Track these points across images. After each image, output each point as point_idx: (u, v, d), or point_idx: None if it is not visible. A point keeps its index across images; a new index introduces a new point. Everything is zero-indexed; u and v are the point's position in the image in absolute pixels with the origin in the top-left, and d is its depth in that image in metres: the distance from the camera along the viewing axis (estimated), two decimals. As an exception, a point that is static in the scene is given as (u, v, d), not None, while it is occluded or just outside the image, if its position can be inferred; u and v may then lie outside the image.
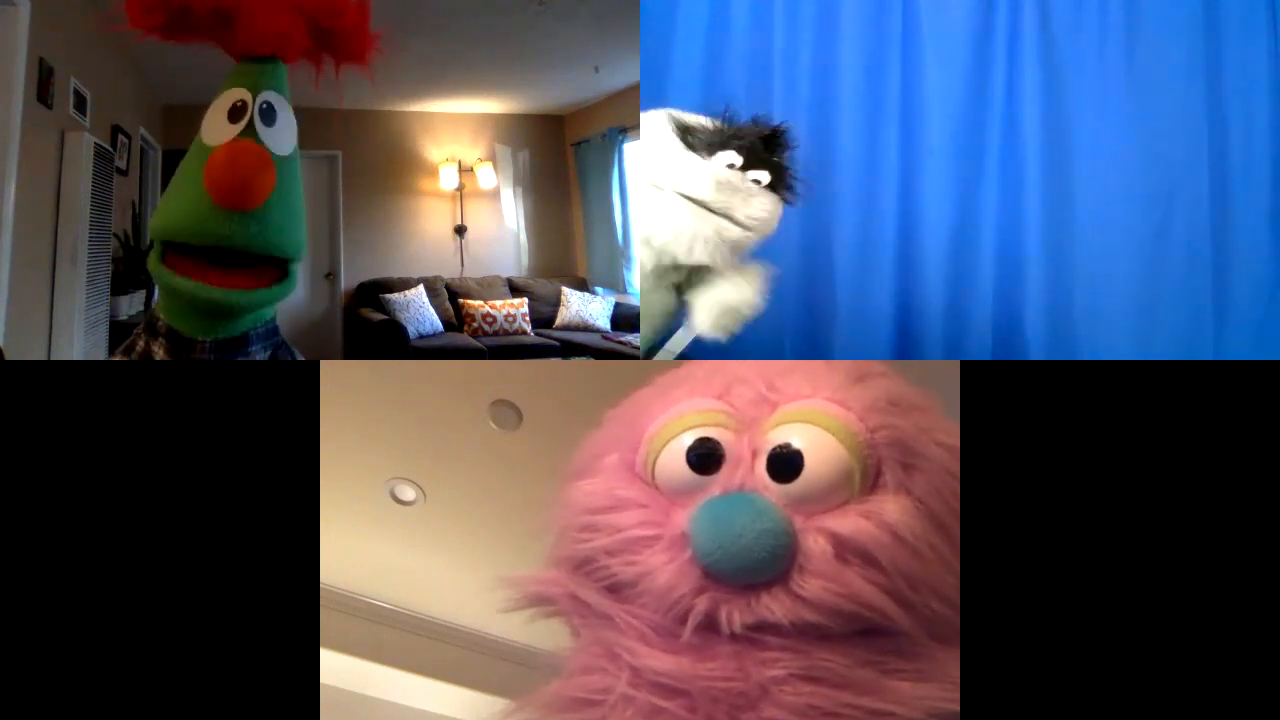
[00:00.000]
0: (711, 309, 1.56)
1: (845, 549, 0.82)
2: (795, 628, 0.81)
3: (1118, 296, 2.14)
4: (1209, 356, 2.11)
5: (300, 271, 1.34)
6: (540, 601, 0.93)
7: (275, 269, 1.25)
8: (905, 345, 2.19)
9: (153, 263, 1.23)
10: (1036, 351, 2.15)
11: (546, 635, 0.94)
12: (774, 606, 0.81)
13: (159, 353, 1.26)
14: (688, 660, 0.80)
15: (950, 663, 0.82)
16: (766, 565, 0.82)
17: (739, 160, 1.46)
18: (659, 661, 0.81)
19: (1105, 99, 2.14)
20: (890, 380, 0.94)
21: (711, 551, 0.82)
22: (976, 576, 1.05)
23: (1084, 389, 1.16)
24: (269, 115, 1.22)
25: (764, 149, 1.48)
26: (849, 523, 0.83)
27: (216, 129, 1.21)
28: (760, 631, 0.81)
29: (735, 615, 0.81)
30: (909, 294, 2.18)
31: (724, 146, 1.47)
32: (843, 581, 0.81)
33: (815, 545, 0.82)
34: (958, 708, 0.78)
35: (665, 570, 0.84)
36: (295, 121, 1.27)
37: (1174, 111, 2.13)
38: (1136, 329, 2.13)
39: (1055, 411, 1.15)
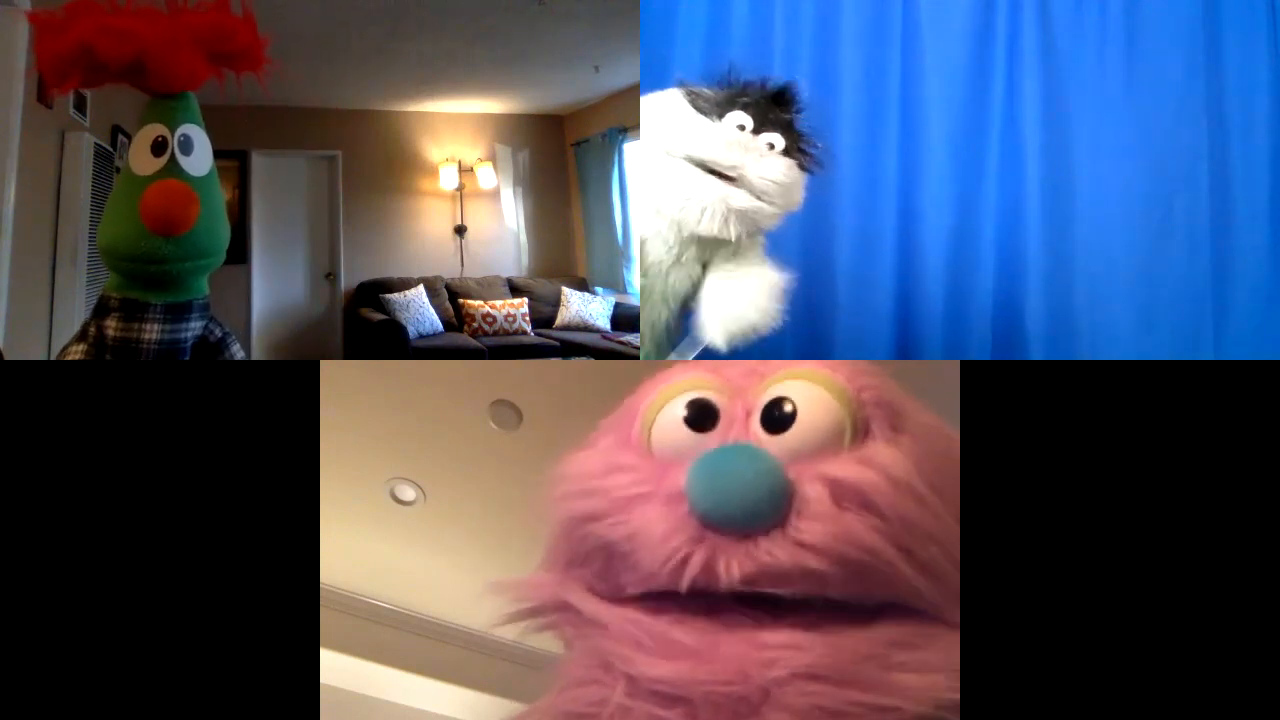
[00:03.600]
0: (725, 321, 1.52)
1: (843, 494, 0.82)
2: (798, 576, 0.79)
3: (1118, 296, 2.14)
4: (1209, 356, 2.11)
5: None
6: (531, 614, 0.92)
7: None
8: (905, 345, 2.18)
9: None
10: (1036, 351, 2.15)
11: (546, 635, 0.93)
12: (775, 551, 0.80)
13: (111, 327, 1.44)
14: (686, 665, 0.78)
15: (952, 646, 0.81)
16: (765, 507, 0.81)
17: (749, 122, 1.45)
18: (656, 669, 0.79)
19: (1105, 99, 2.14)
20: (873, 368, 0.96)
21: (707, 495, 0.82)
22: (977, 575, 1.05)
23: (1084, 389, 1.16)
24: (187, 146, 1.44)
25: (772, 108, 1.46)
26: (846, 468, 0.83)
27: (142, 161, 1.43)
28: (761, 587, 0.80)
29: (734, 565, 0.80)
30: (909, 294, 2.18)
31: (731, 106, 1.45)
32: (842, 525, 0.80)
33: (813, 490, 0.82)
34: (958, 696, 0.77)
35: (661, 523, 0.83)
36: (209, 143, 1.48)
37: (1174, 111, 2.13)
38: (1136, 329, 2.13)
39: (1055, 411, 1.15)
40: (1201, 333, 2.12)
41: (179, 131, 1.43)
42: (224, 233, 1.51)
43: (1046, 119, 2.15)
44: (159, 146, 1.42)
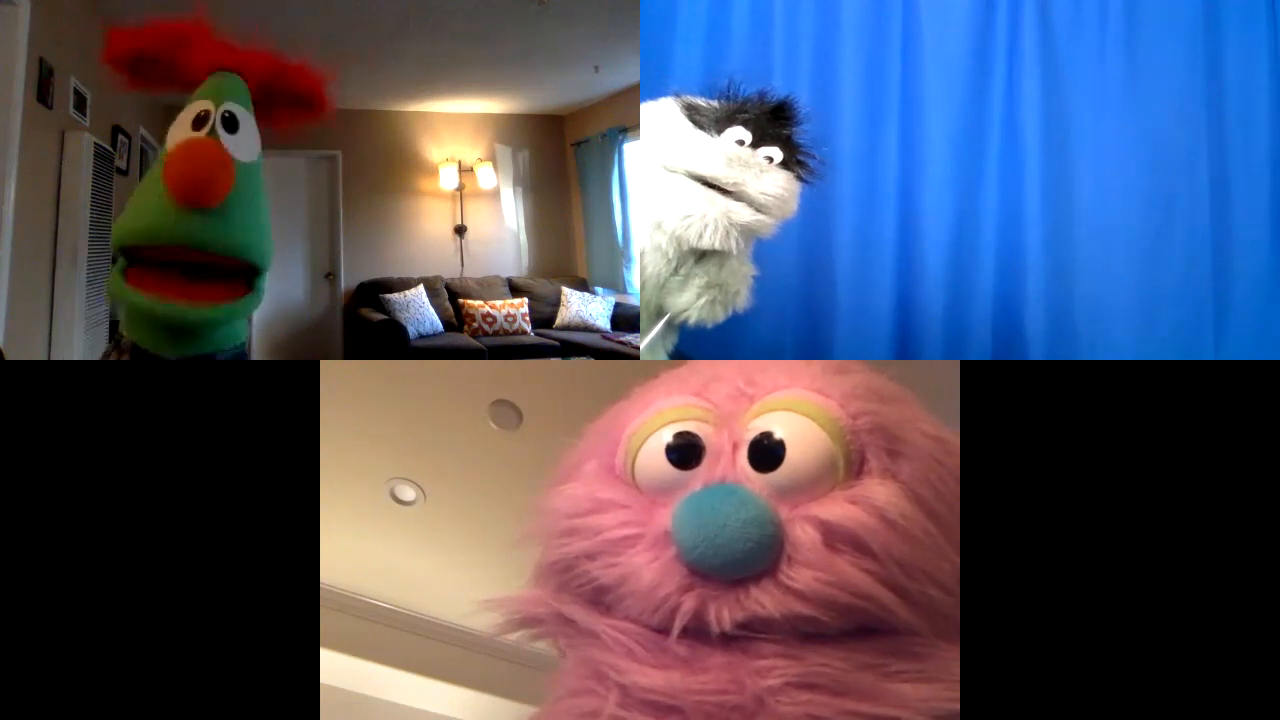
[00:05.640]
0: (696, 287, 1.54)
1: (835, 537, 0.80)
2: (788, 623, 0.78)
3: (1118, 296, 2.14)
4: (1209, 356, 2.11)
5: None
6: (526, 624, 0.91)
7: (242, 282, 1.23)
8: (905, 345, 2.18)
9: (113, 281, 1.20)
10: (1036, 351, 2.15)
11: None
12: (764, 600, 0.78)
13: None
14: (679, 675, 0.77)
15: (951, 659, 0.79)
16: (753, 556, 0.79)
17: (748, 136, 1.44)
18: (648, 678, 0.78)
19: (1105, 99, 2.14)
20: (869, 374, 0.93)
21: (695, 545, 0.80)
22: (977, 576, 1.05)
23: (1084, 389, 1.15)
24: (231, 124, 1.21)
25: (771, 122, 1.46)
26: (837, 509, 0.81)
27: (181, 136, 1.21)
28: (752, 631, 0.79)
29: (725, 612, 0.79)
30: (909, 294, 2.18)
31: (730, 122, 1.45)
32: (834, 571, 0.78)
33: (803, 534, 0.80)
34: (958, 707, 0.76)
35: (649, 569, 0.82)
36: (258, 135, 1.26)
37: (1174, 112, 2.13)
38: (1136, 329, 2.13)
39: (1055, 411, 1.15)
40: (1201, 333, 2.12)
41: (224, 106, 1.22)
42: (264, 239, 1.24)
43: (1046, 119, 2.15)
44: (200, 121, 1.20)
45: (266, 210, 1.27)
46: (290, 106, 1.35)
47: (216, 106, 1.21)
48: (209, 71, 1.27)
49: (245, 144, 1.22)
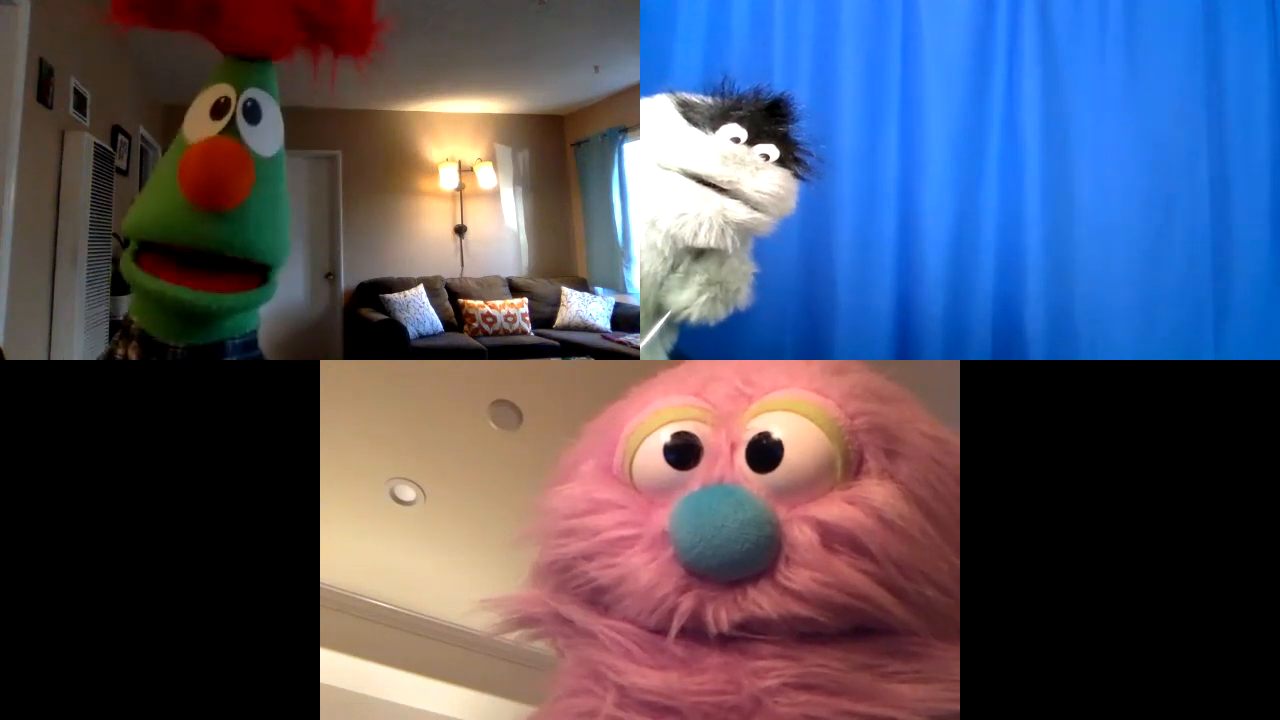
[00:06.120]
0: (697, 285, 1.53)
1: (832, 537, 0.80)
2: (786, 624, 0.78)
3: (1118, 296, 2.14)
4: (1209, 356, 2.12)
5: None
6: (524, 624, 0.91)
7: (255, 274, 1.20)
8: (905, 345, 2.18)
9: (125, 263, 1.18)
10: (1036, 351, 2.15)
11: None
12: (761, 601, 0.78)
13: (131, 357, 1.21)
14: (676, 675, 0.77)
15: (950, 660, 0.79)
16: (751, 557, 0.79)
17: (743, 134, 1.44)
18: (646, 679, 0.78)
19: (1105, 99, 2.14)
20: (868, 374, 0.93)
21: (693, 546, 0.80)
22: (977, 576, 1.05)
23: (1084, 389, 1.15)
24: (253, 113, 1.16)
25: (767, 120, 1.45)
26: (834, 510, 0.81)
27: (198, 126, 1.15)
28: (750, 632, 0.79)
29: (722, 613, 0.79)
30: (909, 294, 2.18)
31: (725, 119, 1.44)
32: (831, 571, 0.78)
33: (801, 535, 0.80)
34: (958, 707, 0.76)
35: (647, 570, 0.82)
36: (282, 123, 1.22)
37: (1174, 112, 2.13)
38: (1137, 329, 2.13)
39: (1055, 411, 1.15)
40: (1201, 333, 2.12)
41: (246, 94, 1.16)
42: (280, 236, 1.20)
43: (1046, 119, 2.15)
44: (219, 109, 1.14)
45: (286, 205, 1.23)
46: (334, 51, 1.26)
47: (238, 93, 1.16)
48: (235, 50, 1.20)
49: (268, 136, 1.18)
